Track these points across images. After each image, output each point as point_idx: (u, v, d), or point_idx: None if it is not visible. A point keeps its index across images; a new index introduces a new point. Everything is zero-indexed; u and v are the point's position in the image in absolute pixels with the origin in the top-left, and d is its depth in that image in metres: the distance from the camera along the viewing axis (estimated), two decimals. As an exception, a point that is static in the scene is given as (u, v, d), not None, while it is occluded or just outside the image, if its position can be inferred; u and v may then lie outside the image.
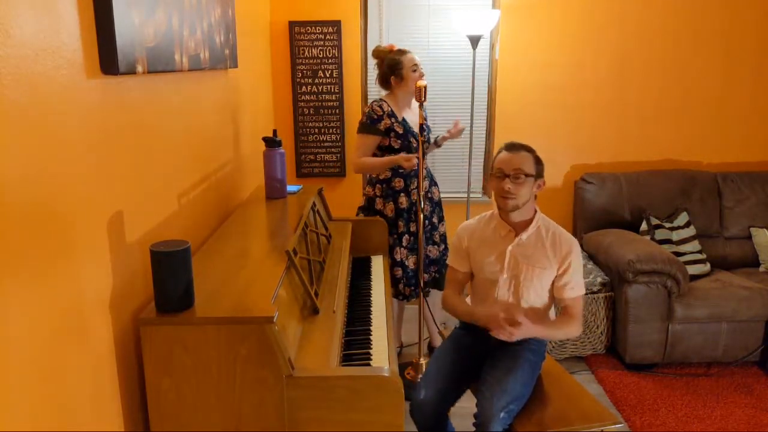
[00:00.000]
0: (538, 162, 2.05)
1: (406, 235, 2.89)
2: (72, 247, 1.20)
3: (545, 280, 2.04)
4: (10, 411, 1.01)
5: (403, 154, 2.78)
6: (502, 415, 1.85)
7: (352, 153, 2.96)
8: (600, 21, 3.63)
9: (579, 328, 2.06)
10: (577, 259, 2.04)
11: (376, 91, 3.77)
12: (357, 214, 3.01)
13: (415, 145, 2.83)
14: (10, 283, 1.00)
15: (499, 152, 2.08)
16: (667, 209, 3.52)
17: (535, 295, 2.06)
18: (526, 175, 1.99)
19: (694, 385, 2.93)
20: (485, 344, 2.09)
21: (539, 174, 2.04)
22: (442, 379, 2.04)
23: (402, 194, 2.88)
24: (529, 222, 2.06)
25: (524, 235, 2.05)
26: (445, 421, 2.08)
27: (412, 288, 2.94)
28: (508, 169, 2.00)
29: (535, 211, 2.08)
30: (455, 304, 2.17)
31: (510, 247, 2.06)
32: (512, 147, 2.06)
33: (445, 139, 2.90)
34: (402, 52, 2.84)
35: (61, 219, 1.16)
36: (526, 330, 1.93)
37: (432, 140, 2.96)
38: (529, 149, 2.06)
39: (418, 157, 2.64)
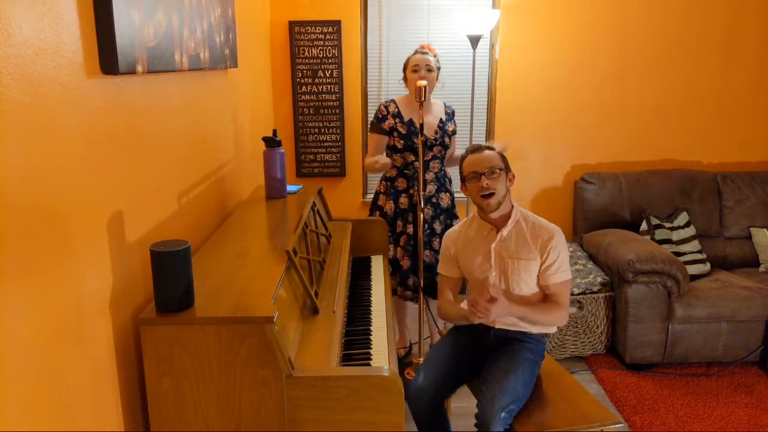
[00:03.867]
0: (503, 157, 2.12)
1: (404, 236, 2.88)
2: (72, 247, 1.20)
3: (532, 271, 2.07)
4: (10, 411, 1.00)
5: (381, 158, 2.82)
6: (503, 414, 1.86)
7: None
8: (600, 21, 3.62)
9: (565, 316, 2.08)
10: (558, 246, 2.06)
11: (376, 91, 3.78)
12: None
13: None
14: (10, 283, 1.00)
15: (464, 158, 2.14)
16: (667, 209, 3.52)
17: (527, 288, 2.09)
18: (500, 169, 2.06)
19: (694, 384, 2.92)
20: (484, 342, 2.13)
21: (508, 167, 2.11)
22: (441, 367, 2.08)
23: (403, 194, 2.87)
24: (507, 217, 2.10)
25: (505, 231, 2.09)
26: (442, 411, 2.09)
27: (404, 288, 2.93)
28: (482, 168, 2.06)
29: (512, 206, 2.12)
30: (449, 310, 2.20)
31: (494, 245, 2.10)
32: (477, 149, 2.13)
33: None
34: (416, 51, 2.86)
35: (61, 219, 1.16)
36: (503, 308, 1.96)
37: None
38: (491, 148, 2.13)
39: (417, 160, 2.63)
